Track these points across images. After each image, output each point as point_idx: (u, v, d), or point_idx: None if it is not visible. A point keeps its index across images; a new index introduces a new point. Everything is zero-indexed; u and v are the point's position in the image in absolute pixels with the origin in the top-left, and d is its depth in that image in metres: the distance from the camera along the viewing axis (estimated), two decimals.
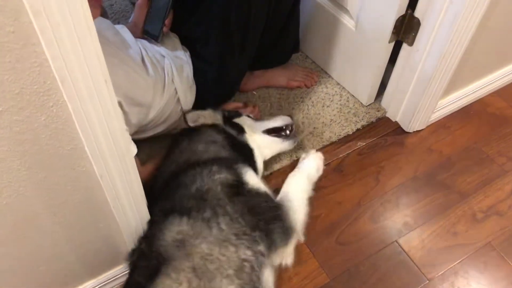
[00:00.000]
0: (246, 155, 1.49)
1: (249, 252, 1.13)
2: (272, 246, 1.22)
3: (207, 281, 1.06)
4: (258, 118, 1.74)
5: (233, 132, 1.52)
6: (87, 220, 1.10)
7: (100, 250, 1.22)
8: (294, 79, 1.90)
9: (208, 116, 1.53)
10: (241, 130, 1.55)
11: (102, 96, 0.84)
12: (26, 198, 0.94)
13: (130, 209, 1.14)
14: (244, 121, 1.60)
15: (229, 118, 1.58)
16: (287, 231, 1.27)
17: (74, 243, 1.14)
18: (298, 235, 1.32)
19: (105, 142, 0.92)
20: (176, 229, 1.14)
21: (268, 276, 1.19)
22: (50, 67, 0.74)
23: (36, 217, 0.99)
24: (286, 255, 1.30)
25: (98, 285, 1.32)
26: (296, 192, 1.42)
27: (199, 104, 1.66)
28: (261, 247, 1.17)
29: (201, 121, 1.52)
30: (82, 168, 0.96)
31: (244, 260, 1.12)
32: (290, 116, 1.67)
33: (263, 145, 1.57)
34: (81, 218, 1.08)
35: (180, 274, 1.06)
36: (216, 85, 1.65)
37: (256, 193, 1.29)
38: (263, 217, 1.22)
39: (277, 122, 1.64)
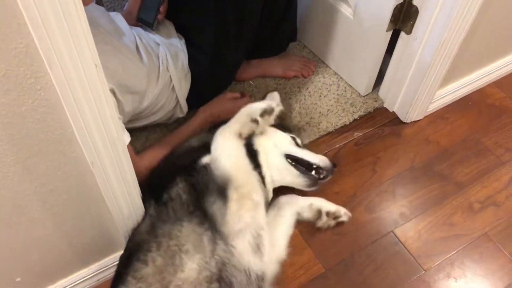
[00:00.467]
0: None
1: (201, 228, 1.14)
2: (216, 213, 1.16)
3: (169, 258, 1.09)
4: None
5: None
6: (79, 207, 1.08)
7: (92, 239, 1.21)
8: (291, 69, 1.88)
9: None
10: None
11: (92, 80, 0.83)
12: (16, 184, 0.92)
13: (122, 197, 1.13)
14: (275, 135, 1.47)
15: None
16: (220, 188, 1.17)
17: (66, 231, 1.13)
18: (235, 181, 1.18)
19: (95, 128, 0.91)
20: (149, 214, 1.22)
21: (243, 247, 1.16)
22: (37, 49, 0.73)
23: (26, 203, 0.98)
24: (242, 213, 1.16)
25: (91, 274, 1.31)
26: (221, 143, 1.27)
27: (194, 94, 1.64)
28: (210, 221, 1.16)
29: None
30: (72, 154, 0.94)
31: (200, 234, 1.13)
32: (334, 163, 1.47)
33: (275, 167, 1.42)
34: (72, 206, 1.07)
35: (147, 255, 1.11)
36: (211, 74, 1.63)
37: (201, 168, 1.25)
38: (199, 188, 1.21)
39: (313, 157, 1.46)
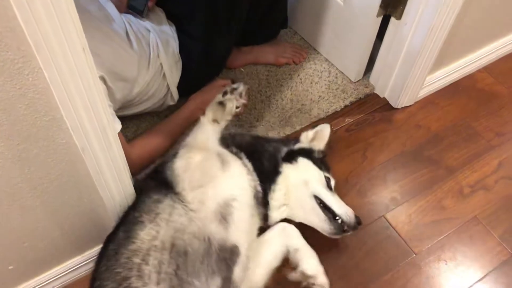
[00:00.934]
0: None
1: (159, 194, 1.18)
2: (168, 172, 1.23)
3: (126, 231, 1.13)
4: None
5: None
6: (70, 194, 1.08)
7: (84, 226, 1.21)
8: (282, 56, 1.88)
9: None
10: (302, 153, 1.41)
11: (80, 64, 0.82)
12: (6, 171, 0.92)
13: (114, 184, 1.13)
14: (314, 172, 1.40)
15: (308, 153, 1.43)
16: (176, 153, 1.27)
17: (57, 218, 1.13)
18: (188, 144, 1.30)
19: (85, 114, 0.91)
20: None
21: (204, 213, 1.15)
22: (23, 32, 0.72)
23: (17, 190, 0.98)
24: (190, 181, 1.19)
25: (84, 261, 1.31)
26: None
27: (185, 81, 1.64)
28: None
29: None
30: (62, 140, 0.94)
31: (158, 201, 1.17)
32: (359, 220, 1.35)
33: (300, 204, 1.36)
34: (64, 193, 1.07)
35: (116, 232, 1.15)
36: (202, 62, 1.63)
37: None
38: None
39: (340, 208, 1.35)
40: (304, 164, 1.39)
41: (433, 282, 1.39)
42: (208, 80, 1.75)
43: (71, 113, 0.88)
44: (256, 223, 1.29)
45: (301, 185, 1.36)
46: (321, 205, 1.35)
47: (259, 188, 1.29)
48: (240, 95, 1.34)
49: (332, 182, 1.43)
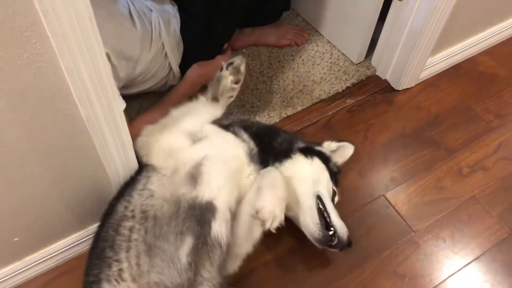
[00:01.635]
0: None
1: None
2: None
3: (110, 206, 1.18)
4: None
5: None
6: (75, 167, 1.10)
7: (89, 200, 1.23)
8: (284, 38, 1.89)
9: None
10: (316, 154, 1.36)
11: (86, 34, 0.83)
12: (12, 140, 0.93)
13: (118, 157, 1.14)
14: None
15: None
16: None
17: (63, 191, 1.15)
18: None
19: (91, 84, 0.92)
20: None
21: (175, 177, 1.17)
22: (31, 0, 0.73)
23: (24, 161, 0.99)
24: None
25: (88, 236, 1.33)
26: None
27: (187, 61, 1.65)
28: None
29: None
30: (68, 111, 0.95)
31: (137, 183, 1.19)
32: (350, 241, 1.29)
33: (299, 198, 1.29)
34: (69, 165, 1.08)
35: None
36: (203, 41, 1.64)
37: None
38: None
39: (337, 221, 1.29)
40: (318, 166, 1.34)
41: (431, 259, 1.41)
42: (210, 59, 1.75)
43: (77, 83, 0.90)
44: (252, 179, 1.26)
45: (309, 181, 1.31)
46: (319, 209, 1.29)
47: (253, 147, 1.28)
48: (238, 70, 1.31)
49: (336, 198, 1.38)
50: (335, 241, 1.26)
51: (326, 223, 1.28)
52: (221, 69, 1.31)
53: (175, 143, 1.22)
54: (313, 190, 1.30)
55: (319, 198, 1.30)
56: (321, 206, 1.29)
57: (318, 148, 1.42)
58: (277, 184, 1.17)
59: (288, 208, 1.24)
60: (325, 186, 1.33)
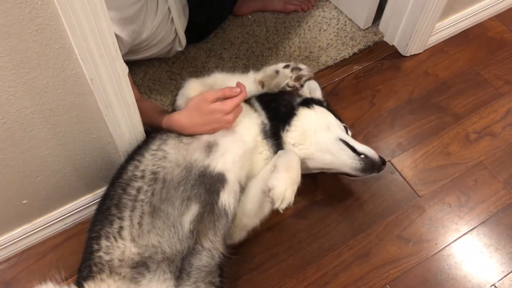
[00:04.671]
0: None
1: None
2: None
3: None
4: None
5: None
6: (80, 128, 1.10)
7: (95, 163, 1.24)
8: (290, 3, 1.86)
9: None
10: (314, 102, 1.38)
11: None
12: (17, 100, 0.94)
13: (123, 120, 1.14)
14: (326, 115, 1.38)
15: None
16: None
17: (69, 153, 1.16)
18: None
19: (94, 43, 0.91)
20: None
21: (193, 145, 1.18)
22: None
23: (29, 122, 1.00)
24: None
25: (95, 200, 1.34)
26: None
27: (192, 26, 1.63)
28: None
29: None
30: (72, 71, 0.95)
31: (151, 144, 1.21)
32: (383, 159, 1.33)
33: (325, 148, 1.31)
34: (74, 126, 1.09)
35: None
36: (208, 3, 1.61)
37: None
38: None
39: (364, 148, 1.32)
40: (321, 111, 1.38)
41: (436, 223, 1.41)
42: (215, 24, 1.74)
43: (80, 41, 0.89)
44: (265, 155, 1.29)
45: (324, 129, 1.33)
46: (348, 146, 1.32)
47: (266, 121, 1.30)
48: (299, 78, 1.34)
49: (349, 132, 1.41)
50: (370, 163, 1.30)
51: (358, 153, 1.31)
52: (286, 66, 1.34)
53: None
54: (333, 135, 1.33)
55: (341, 140, 1.32)
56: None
57: (308, 96, 1.45)
58: (293, 167, 1.18)
59: (317, 160, 1.32)
60: (338, 126, 1.36)
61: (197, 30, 1.68)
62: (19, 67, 0.88)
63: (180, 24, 1.59)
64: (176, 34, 1.61)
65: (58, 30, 0.86)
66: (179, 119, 1.20)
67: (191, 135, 1.19)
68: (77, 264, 1.12)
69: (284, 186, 1.11)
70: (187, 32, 1.64)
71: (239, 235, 1.29)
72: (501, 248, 1.37)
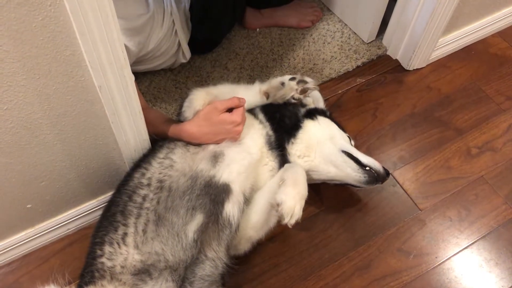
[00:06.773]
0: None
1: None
2: None
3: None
4: None
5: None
6: (86, 134, 1.12)
7: (99, 169, 1.25)
8: (305, 19, 1.87)
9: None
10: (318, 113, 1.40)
11: None
12: (27, 105, 0.95)
13: (129, 127, 1.16)
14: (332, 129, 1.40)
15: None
16: None
17: (74, 159, 1.17)
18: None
19: (103, 51, 0.93)
20: None
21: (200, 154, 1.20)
22: None
23: (37, 127, 1.01)
24: None
25: (98, 205, 1.36)
26: None
27: (195, 41, 1.65)
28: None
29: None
30: (81, 78, 0.97)
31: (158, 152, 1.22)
32: (387, 171, 1.36)
33: (328, 159, 1.34)
34: (80, 133, 1.10)
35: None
36: (205, 23, 1.63)
37: None
38: None
39: (367, 160, 1.34)
40: (324, 122, 1.40)
41: (437, 237, 1.42)
42: (220, 36, 1.77)
43: (90, 49, 0.91)
44: (270, 166, 1.30)
45: (327, 141, 1.35)
46: (351, 157, 1.34)
47: (270, 133, 1.31)
48: (304, 91, 1.33)
49: (352, 142, 1.44)
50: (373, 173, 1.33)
51: (361, 165, 1.33)
52: (292, 78, 1.33)
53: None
54: (337, 147, 1.35)
55: (344, 151, 1.34)
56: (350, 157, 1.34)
57: (311, 107, 1.45)
58: (300, 181, 1.19)
59: (322, 172, 1.35)
60: (341, 137, 1.38)
61: (200, 44, 1.70)
62: (30, 72, 0.90)
63: (184, 36, 1.61)
64: (179, 46, 1.62)
65: (69, 38, 0.88)
66: (189, 128, 1.21)
67: (199, 144, 1.21)
68: (79, 270, 1.12)
69: (293, 201, 1.12)
70: (191, 45, 1.66)
71: (244, 247, 1.29)
72: (501, 263, 1.38)
